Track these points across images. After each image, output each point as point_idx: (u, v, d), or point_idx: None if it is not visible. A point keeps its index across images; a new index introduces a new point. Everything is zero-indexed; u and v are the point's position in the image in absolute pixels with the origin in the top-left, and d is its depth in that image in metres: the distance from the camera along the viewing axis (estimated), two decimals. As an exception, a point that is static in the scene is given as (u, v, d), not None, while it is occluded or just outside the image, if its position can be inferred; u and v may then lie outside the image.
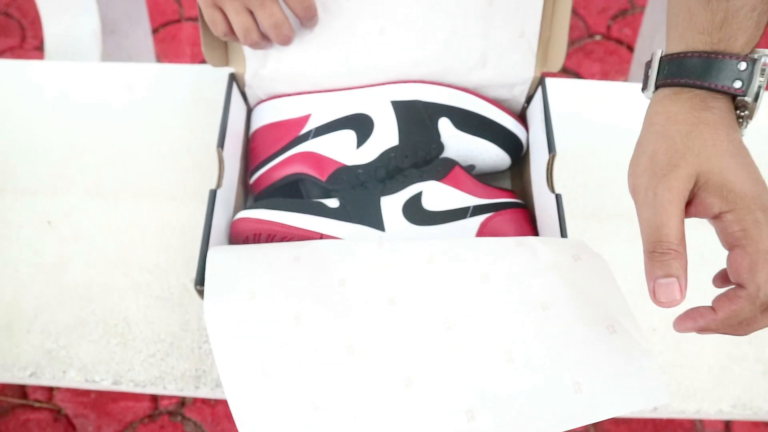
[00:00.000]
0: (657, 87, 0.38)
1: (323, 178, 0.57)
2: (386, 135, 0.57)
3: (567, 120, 0.68)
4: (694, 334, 0.58)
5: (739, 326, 0.35)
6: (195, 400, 1.12)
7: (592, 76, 1.38)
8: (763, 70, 0.35)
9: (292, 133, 0.59)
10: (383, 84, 0.59)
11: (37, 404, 1.12)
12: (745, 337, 0.58)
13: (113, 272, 0.61)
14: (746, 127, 0.37)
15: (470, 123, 0.58)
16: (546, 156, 0.53)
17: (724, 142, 0.35)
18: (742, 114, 0.36)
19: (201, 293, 0.49)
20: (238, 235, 0.54)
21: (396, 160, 0.57)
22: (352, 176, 0.57)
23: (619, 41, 1.42)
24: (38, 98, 0.71)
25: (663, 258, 0.35)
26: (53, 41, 0.89)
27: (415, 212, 0.53)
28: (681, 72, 0.36)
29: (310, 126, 0.59)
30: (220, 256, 0.47)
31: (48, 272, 0.61)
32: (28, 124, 0.69)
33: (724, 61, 0.35)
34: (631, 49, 1.41)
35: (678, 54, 0.37)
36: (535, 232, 0.55)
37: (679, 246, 0.35)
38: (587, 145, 0.68)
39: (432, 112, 0.58)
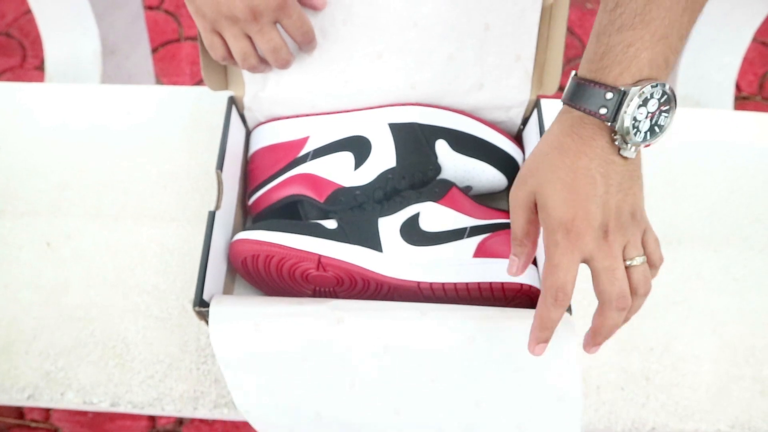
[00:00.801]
0: (563, 102, 0.43)
1: (321, 200, 0.57)
2: (384, 157, 0.58)
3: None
4: (692, 354, 0.59)
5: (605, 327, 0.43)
6: (193, 418, 1.11)
7: (588, 94, 1.39)
8: (642, 102, 0.38)
9: (290, 154, 0.60)
10: (381, 107, 0.60)
11: (33, 424, 1.11)
12: (743, 356, 0.58)
13: (112, 294, 0.61)
14: (631, 149, 0.40)
15: (467, 145, 0.59)
16: None
17: (562, 170, 0.40)
18: (616, 138, 0.40)
19: (199, 314, 0.49)
20: (237, 257, 0.54)
21: (393, 181, 0.57)
22: (350, 197, 0.57)
23: (615, 59, 1.43)
24: (38, 120, 0.72)
25: (514, 244, 0.46)
26: (54, 62, 0.90)
27: (413, 233, 0.54)
28: (568, 93, 0.42)
29: (308, 148, 0.59)
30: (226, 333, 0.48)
31: (47, 294, 0.61)
32: (28, 147, 0.70)
33: (594, 89, 0.39)
34: (626, 66, 1.42)
35: (575, 77, 0.42)
36: None
37: (523, 239, 0.45)
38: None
39: (429, 134, 0.59)
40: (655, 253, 0.44)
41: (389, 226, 0.54)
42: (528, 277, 0.53)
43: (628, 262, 0.42)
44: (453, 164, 0.59)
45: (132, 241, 0.64)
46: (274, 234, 0.53)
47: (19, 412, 1.12)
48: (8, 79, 1.42)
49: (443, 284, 0.52)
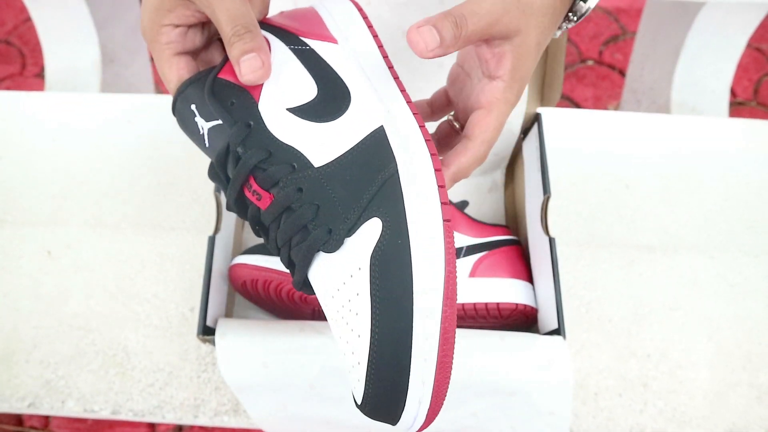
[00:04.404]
0: None
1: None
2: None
3: (561, 149, 0.69)
4: (690, 361, 0.59)
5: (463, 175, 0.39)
6: (193, 426, 1.11)
7: (584, 101, 1.39)
8: None
9: None
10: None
11: (32, 431, 1.11)
12: (740, 362, 0.59)
13: (112, 302, 0.61)
14: (563, 28, 0.40)
15: None
16: (541, 196, 0.53)
17: (545, 31, 0.38)
18: (569, 17, 0.40)
19: (203, 341, 0.49)
20: (236, 280, 0.55)
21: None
22: (290, 190, 0.34)
23: (611, 66, 1.44)
24: (38, 129, 0.72)
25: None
26: (54, 71, 0.91)
27: None
28: None
29: None
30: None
31: (47, 303, 0.61)
32: (28, 156, 0.70)
33: None
34: (622, 73, 1.43)
35: None
36: (528, 270, 0.56)
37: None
38: (580, 174, 0.69)
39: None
40: None
41: None
42: (523, 297, 0.53)
43: None
44: None
45: (132, 250, 0.64)
46: (272, 259, 0.53)
47: (18, 419, 1.12)
48: (8, 87, 1.42)
49: None
